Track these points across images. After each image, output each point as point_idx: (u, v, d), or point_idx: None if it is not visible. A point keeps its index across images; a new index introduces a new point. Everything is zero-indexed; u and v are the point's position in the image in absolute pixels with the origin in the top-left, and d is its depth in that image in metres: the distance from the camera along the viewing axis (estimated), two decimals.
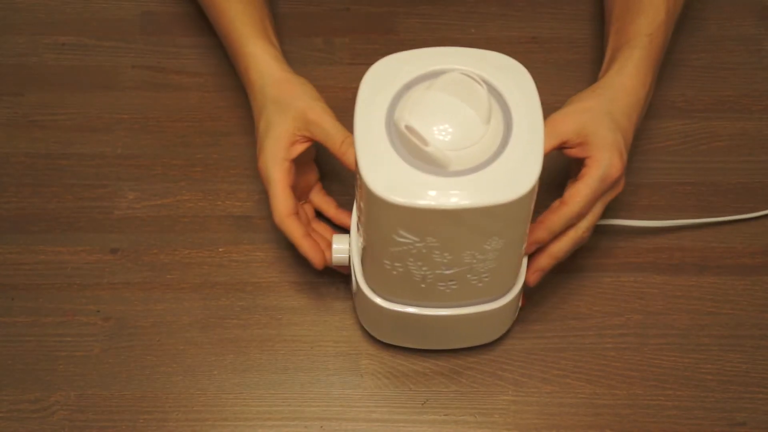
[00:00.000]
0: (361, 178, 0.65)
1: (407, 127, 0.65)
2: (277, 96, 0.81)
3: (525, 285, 0.77)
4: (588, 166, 0.76)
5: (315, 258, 0.79)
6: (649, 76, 0.83)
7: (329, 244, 0.79)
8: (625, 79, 0.81)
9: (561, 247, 0.77)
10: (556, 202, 0.78)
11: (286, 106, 0.80)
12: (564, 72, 0.96)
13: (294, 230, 0.78)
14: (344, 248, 0.78)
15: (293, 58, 0.97)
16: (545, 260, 0.78)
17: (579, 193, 0.76)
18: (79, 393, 0.79)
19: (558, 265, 0.85)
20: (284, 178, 0.79)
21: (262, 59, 0.84)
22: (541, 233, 0.76)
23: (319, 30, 1.00)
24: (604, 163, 0.76)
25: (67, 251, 0.86)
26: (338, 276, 0.85)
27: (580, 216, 0.77)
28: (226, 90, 0.95)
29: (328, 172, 0.91)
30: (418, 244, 0.67)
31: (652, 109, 0.95)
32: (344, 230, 0.83)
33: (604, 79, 0.82)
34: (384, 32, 0.99)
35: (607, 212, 0.86)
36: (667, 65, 0.97)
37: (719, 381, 0.80)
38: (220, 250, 0.86)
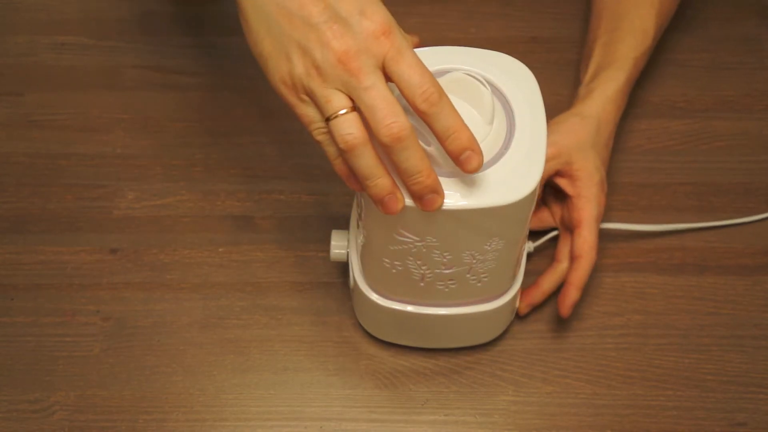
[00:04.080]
0: None
1: None
2: None
3: (521, 292, 0.78)
4: (581, 209, 0.80)
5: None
6: (625, 100, 0.87)
7: None
8: (608, 105, 0.85)
9: (583, 276, 0.80)
10: (562, 254, 0.82)
11: None
12: (564, 72, 0.96)
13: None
14: (343, 244, 0.78)
15: None
16: (576, 294, 0.80)
17: (587, 242, 0.80)
18: (79, 393, 0.79)
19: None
20: None
21: None
22: (576, 293, 0.80)
23: None
24: (594, 202, 0.80)
25: (67, 251, 0.86)
26: (338, 276, 0.84)
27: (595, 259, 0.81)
28: (226, 90, 0.95)
29: (327, 172, 0.90)
30: (418, 244, 0.67)
31: (653, 109, 0.95)
32: None
33: (589, 103, 0.85)
34: None
35: (608, 212, 0.86)
36: (667, 65, 0.97)
37: (720, 381, 0.80)
38: (220, 250, 0.86)
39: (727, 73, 0.98)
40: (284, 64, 0.63)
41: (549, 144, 0.79)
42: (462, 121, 0.61)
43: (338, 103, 0.61)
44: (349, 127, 0.61)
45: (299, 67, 0.62)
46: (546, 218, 0.85)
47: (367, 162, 0.61)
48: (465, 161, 0.61)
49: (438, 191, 0.62)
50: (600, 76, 0.87)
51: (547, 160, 0.77)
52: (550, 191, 0.85)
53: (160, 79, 0.97)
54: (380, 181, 0.62)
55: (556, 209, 0.85)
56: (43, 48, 0.99)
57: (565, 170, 0.81)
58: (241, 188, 0.90)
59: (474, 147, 0.61)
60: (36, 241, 0.87)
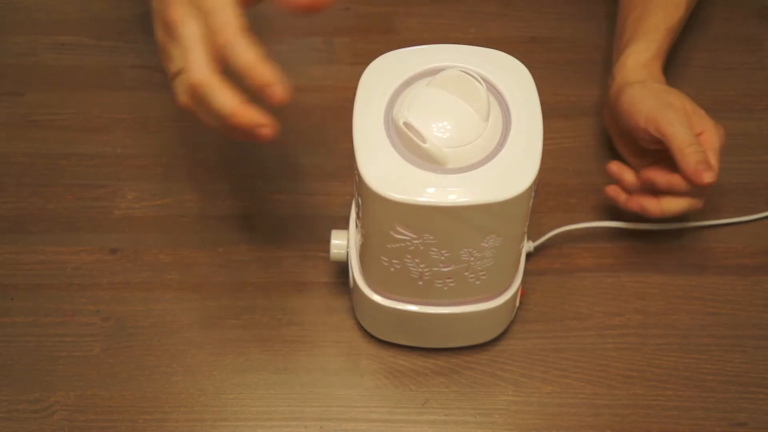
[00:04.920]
0: (358, 174, 0.65)
1: (405, 124, 0.65)
2: None
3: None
4: (665, 133, 0.80)
5: (277, 82, 0.63)
6: (661, 67, 0.87)
7: None
8: (642, 71, 0.85)
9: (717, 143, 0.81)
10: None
11: None
12: (564, 72, 0.97)
13: (252, 47, 0.63)
14: (342, 243, 0.78)
15: (293, 58, 0.97)
16: (714, 157, 0.80)
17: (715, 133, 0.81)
18: (79, 393, 0.79)
19: (559, 265, 0.85)
20: None
21: None
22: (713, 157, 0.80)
23: (319, 30, 1.00)
24: (716, 127, 0.81)
25: (67, 251, 0.86)
26: (338, 276, 0.84)
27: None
28: None
29: (327, 172, 0.91)
30: (415, 241, 0.67)
31: None
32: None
33: (624, 73, 0.85)
34: (384, 32, 0.99)
35: (608, 212, 0.86)
36: (667, 65, 0.97)
37: (720, 381, 0.80)
38: (220, 250, 0.86)
39: (727, 73, 0.98)
40: (158, 35, 0.65)
41: (636, 115, 0.81)
42: (259, 56, 0.61)
43: (178, 61, 0.63)
44: (179, 87, 0.64)
45: (159, 32, 0.64)
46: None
47: (209, 112, 0.64)
48: (269, 94, 0.62)
49: (263, 122, 0.63)
50: (630, 47, 0.87)
51: (643, 133, 0.81)
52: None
53: (160, 79, 0.96)
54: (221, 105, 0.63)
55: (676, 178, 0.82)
56: (43, 48, 0.99)
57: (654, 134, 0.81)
58: (241, 188, 0.90)
59: (274, 81, 0.62)
60: (36, 241, 0.87)
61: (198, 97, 0.64)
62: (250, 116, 0.63)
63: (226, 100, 0.63)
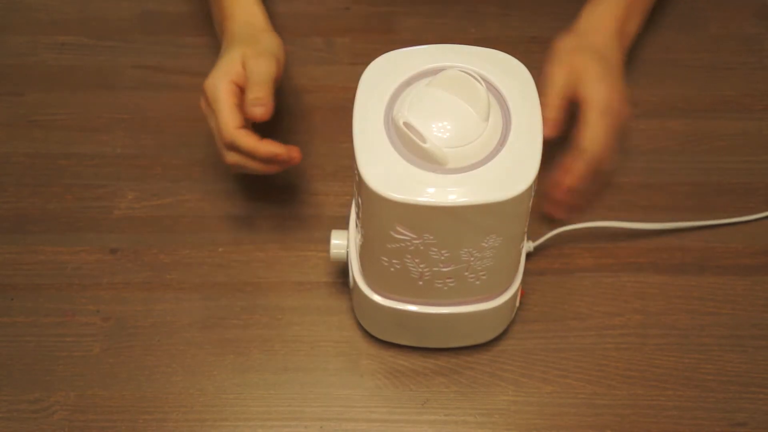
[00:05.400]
0: (358, 174, 0.66)
1: (405, 124, 0.65)
2: (249, 35, 0.84)
3: (522, 285, 0.78)
4: (585, 104, 0.82)
5: (283, 150, 0.78)
6: (620, 15, 0.88)
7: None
8: (596, 19, 0.88)
9: (573, 176, 0.82)
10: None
11: (252, 40, 0.83)
12: None
13: (249, 138, 0.78)
14: (342, 243, 0.78)
15: (293, 58, 0.97)
16: (559, 194, 0.82)
17: (587, 137, 0.81)
18: (79, 393, 0.79)
19: (559, 265, 0.85)
20: (230, 96, 0.79)
21: (254, 15, 0.87)
22: (571, 179, 0.82)
23: (319, 30, 1.00)
24: (597, 97, 0.81)
25: (66, 251, 0.86)
26: (338, 276, 0.84)
27: (602, 157, 0.82)
28: None
29: (327, 172, 0.91)
30: (415, 241, 0.67)
31: (653, 109, 0.95)
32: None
33: (577, 23, 0.89)
34: (384, 32, 0.99)
35: (608, 212, 0.86)
36: (667, 65, 0.97)
37: (719, 381, 0.80)
38: (220, 250, 0.86)
39: (727, 73, 0.98)
40: None
41: (558, 71, 0.83)
42: (256, 141, 0.78)
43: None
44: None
45: None
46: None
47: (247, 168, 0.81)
48: (281, 161, 0.79)
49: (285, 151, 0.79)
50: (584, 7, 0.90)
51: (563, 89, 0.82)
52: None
53: (160, 79, 0.97)
54: (251, 165, 0.80)
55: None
56: (43, 48, 0.99)
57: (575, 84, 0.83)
58: (241, 188, 0.90)
59: (277, 152, 0.79)
60: (36, 241, 0.87)
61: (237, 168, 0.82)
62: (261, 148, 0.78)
63: (259, 168, 0.80)
